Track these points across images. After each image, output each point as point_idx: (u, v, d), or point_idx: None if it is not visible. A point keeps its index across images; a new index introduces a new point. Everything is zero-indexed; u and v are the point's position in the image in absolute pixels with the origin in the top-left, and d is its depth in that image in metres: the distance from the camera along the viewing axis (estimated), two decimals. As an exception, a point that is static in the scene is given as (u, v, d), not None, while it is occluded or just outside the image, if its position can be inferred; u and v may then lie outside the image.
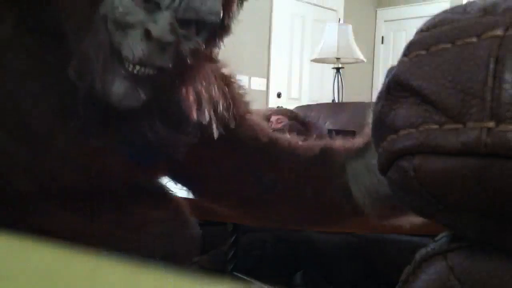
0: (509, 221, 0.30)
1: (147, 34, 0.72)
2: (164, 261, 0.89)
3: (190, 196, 1.04)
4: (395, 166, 0.33)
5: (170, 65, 0.74)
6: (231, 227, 1.95)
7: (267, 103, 5.24)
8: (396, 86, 0.34)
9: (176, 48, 0.74)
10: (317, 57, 4.24)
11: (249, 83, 5.13)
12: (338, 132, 1.85)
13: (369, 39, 6.20)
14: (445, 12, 0.34)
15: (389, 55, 6.16)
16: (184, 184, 1.02)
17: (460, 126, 0.30)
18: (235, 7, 0.86)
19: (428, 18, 0.35)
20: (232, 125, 0.94)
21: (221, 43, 0.87)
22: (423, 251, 0.36)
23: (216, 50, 0.88)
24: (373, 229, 1.23)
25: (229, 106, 0.95)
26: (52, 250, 0.27)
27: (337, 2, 5.86)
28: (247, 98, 0.99)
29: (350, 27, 4.23)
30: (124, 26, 0.72)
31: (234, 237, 1.94)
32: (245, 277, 1.83)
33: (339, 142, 0.94)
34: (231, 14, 0.84)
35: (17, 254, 0.27)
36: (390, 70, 0.35)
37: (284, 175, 0.95)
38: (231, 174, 0.98)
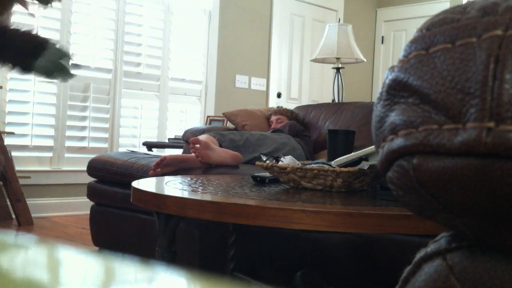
0: (509, 221, 0.30)
1: None
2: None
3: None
4: (395, 166, 0.33)
5: None
6: (231, 227, 1.95)
7: (267, 103, 5.24)
8: (396, 86, 0.34)
9: None
10: (317, 57, 4.24)
11: (249, 83, 5.13)
12: (338, 131, 1.85)
13: (369, 39, 6.20)
14: (445, 12, 0.34)
15: (389, 55, 6.16)
16: None
17: (460, 126, 0.30)
18: None
19: (428, 18, 0.35)
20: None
21: None
22: (423, 251, 0.36)
23: None
24: (374, 229, 1.23)
25: None
26: (52, 250, 0.27)
27: (337, 2, 5.86)
28: None
29: (350, 27, 4.23)
30: None
31: (234, 237, 1.94)
32: (245, 277, 1.83)
33: None
34: None
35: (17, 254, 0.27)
36: (390, 70, 0.35)
37: None
38: None
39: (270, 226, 1.19)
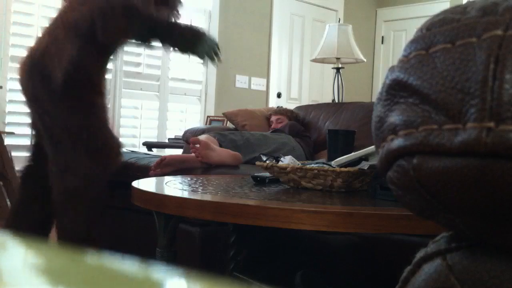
0: (509, 221, 0.30)
1: None
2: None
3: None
4: (395, 166, 0.33)
5: None
6: (231, 227, 1.95)
7: (267, 103, 5.24)
8: (396, 86, 0.34)
9: None
10: (317, 57, 4.24)
11: (249, 83, 5.13)
12: (338, 131, 1.85)
13: (369, 39, 6.20)
14: (445, 12, 0.34)
15: (389, 55, 6.16)
16: None
17: (459, 126, 0.30)
18: None
19: (428, 18, 0.35)
20: None
21: None
22: (423, 251, 0.36)
23: None
24: (374, 229, 1.23)
25: None
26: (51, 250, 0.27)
27: (337, 2, 5.86)
28: None
29: (350, 27, 4.23)
30: None
31: (234, 237, 1.94)
32: (245, 277, 1.83)
33: None
34: None
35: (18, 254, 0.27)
36: (390, 70, 0.35)
37: None
38: None
39: (270, 226, 1.19)
